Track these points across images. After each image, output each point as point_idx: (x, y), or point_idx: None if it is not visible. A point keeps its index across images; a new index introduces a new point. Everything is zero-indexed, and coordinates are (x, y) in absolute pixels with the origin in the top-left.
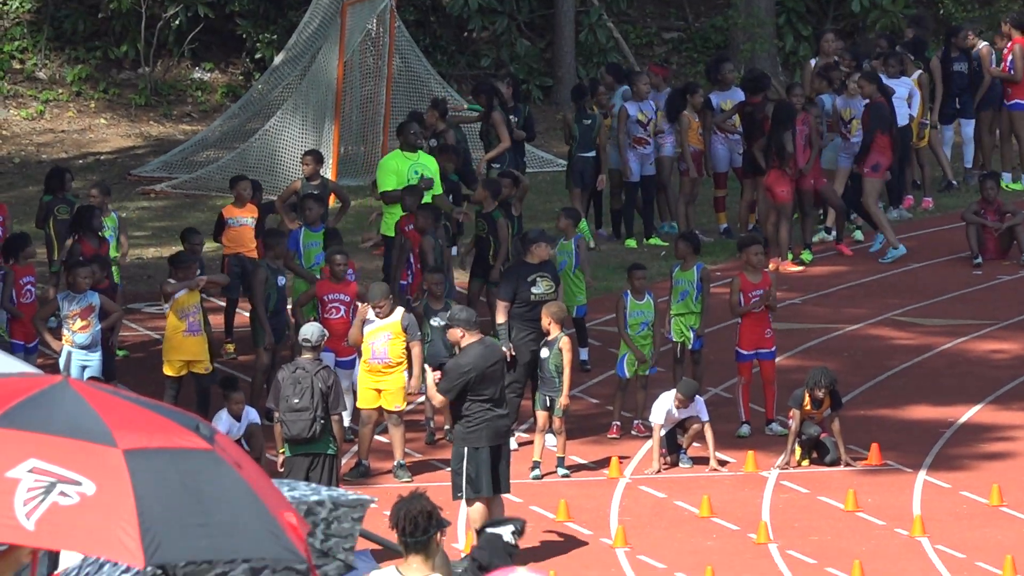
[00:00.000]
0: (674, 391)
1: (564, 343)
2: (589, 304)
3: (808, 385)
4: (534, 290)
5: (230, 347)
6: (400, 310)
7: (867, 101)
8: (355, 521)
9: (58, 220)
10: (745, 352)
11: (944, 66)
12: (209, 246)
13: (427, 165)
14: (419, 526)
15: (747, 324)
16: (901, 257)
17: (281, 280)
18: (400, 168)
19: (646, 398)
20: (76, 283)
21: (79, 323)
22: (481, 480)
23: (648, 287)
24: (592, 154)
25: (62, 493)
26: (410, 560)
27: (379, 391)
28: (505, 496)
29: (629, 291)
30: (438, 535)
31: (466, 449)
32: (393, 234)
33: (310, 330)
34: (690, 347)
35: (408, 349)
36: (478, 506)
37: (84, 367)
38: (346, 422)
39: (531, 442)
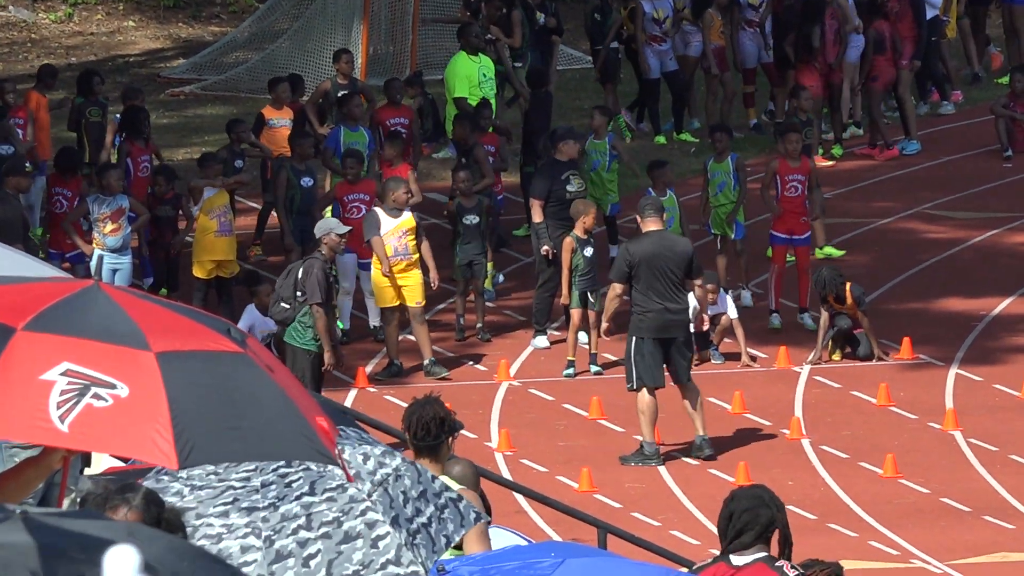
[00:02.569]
0: None
1: (565, 243)
2: (621, 201)
3: (817, 289)
4: (569, 188)
5: (257, 250)
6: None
7: None
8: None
9: (90, 122)
10: (778, 235)
11: None
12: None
13: (489, 67)
14: (430, 431)
15: (782, 207)
16: (922, 152)
17: (306, 181)
18: (470, 72)
19: None
20: (109, 185)
21: (110, 226)
22: (645, 371)
23: (672, 183)
24: (611, 46)
25: (95, 395)
26: (420, 463)
27: (399, 288)
28: (538, 394)
29: (652, 188)
30: (449, 439)
31: (633, 339)
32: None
33: (317, 225)
34: (732, 237)
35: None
36: (644, 395)
37: (115, 270)
38: (374, 322)
39: (564, 340)
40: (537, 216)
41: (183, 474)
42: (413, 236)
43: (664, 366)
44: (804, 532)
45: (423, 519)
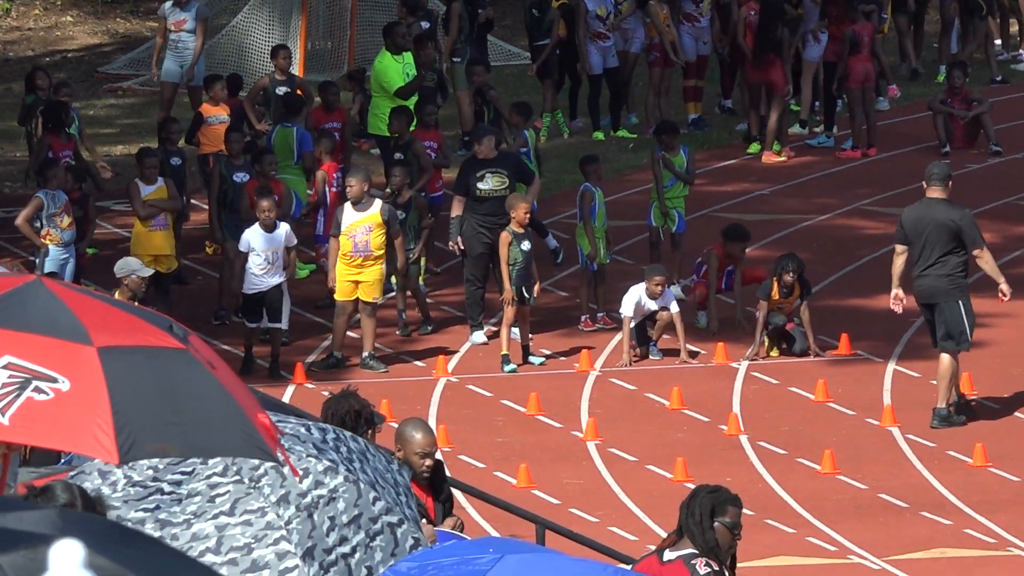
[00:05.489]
0: (644, 283)
1: (502, 237)
2: (558, 197)
3: (776, 272)
4: (480, 185)
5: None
6: (379, 202)
7: None
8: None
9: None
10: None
11: None
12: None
13: (412, 65)
14: (346, 424)
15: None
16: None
17: (239, 176)
18: (396, 71)
19: (605, 289)
20: (57, 178)
21: (66, 220)
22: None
23: (603, 178)
24: (545, 42)
25: (37, 389)
26: None
27: (356, 283)
28: (475, 390)
29: (587, 182)
30: (369, 432)
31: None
32: (388, 134)
33: (118, 265)
34: (673, 230)
35: (390, 239)
36: (942, 358)
37: (63, 264)
38: (283, 324)
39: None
40: (454, 210)
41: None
42: (379, 232)
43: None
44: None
45: (346, 548)
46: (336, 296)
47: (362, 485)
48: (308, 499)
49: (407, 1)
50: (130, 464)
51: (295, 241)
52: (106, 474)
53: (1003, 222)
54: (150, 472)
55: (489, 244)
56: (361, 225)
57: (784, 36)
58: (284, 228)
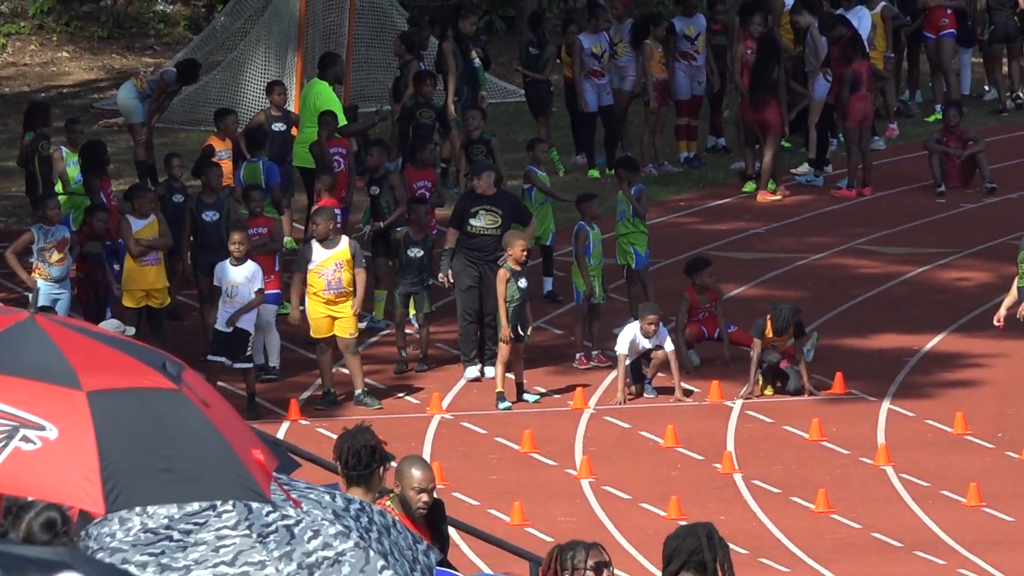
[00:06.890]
0: (638, 322)
1: (500, 274)
2: (554, 235)
3: (776, 325)
4: (472, 222)
5: None
6: (346, 239)
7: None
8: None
9: (43, 157)
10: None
11: None
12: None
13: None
14: (361, 460)
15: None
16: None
17: (209, 215)
18: (335, 100)
19: (600, 327)
20: (48, 215)
21: (56, 255)
22: None
23: (599, 216)
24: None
25: (24, 438)
26: (352, 492)
27: (333, 319)
28: (470, 427)
29: (582, 220)
30: (380, 469)
31: None
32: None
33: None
34: (634, 267)
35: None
36: None
37: (56, 300)
38: (273, 361)
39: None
40: (447, 243)
41: (150, 509)
42: (349, 268)
43: None
44: (735, 567)
45: None
46: (313, 334)
47: (372, 553)
48: (312, 559)
49: (407, 39)
50: (149, 512)
51: (260, 284)
52: (125, 520)
53: (998, 261)
54: (165, 521)
55: (478, 278)
56: (331, 263)
57: (779, 76)
58: (250, 267)
